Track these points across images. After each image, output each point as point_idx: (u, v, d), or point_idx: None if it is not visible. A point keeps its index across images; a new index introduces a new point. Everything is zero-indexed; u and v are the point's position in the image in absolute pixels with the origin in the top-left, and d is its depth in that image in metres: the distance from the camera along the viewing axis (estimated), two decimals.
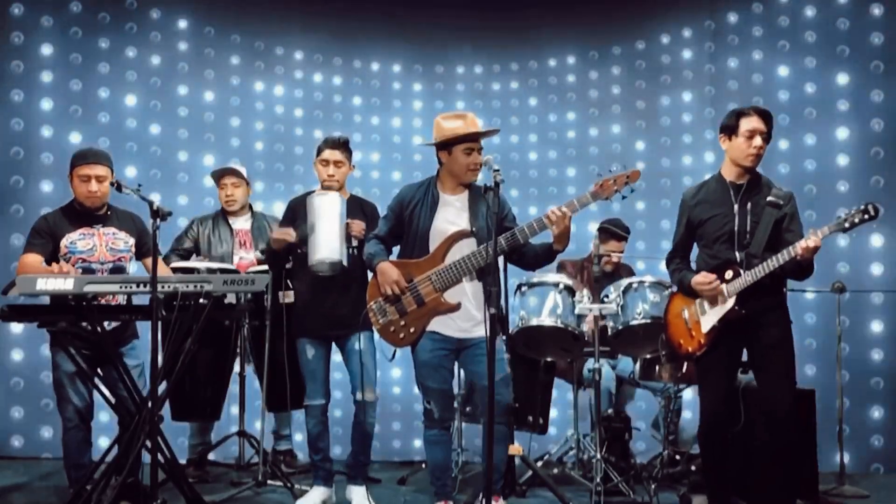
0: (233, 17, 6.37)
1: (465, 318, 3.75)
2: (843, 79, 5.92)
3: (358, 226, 4.12)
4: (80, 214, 4.14)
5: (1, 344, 5.68)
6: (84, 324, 3.71)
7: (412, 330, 3.79)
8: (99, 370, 3.99)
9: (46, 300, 3.81)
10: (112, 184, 4.05)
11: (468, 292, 3.76)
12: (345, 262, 4.02)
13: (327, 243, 3.96)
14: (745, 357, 3.94)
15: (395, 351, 3.93)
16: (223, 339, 4.72)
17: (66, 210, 4.18)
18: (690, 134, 6.33)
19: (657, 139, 6.39)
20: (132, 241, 4.21)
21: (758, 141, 3.79)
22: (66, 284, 3.51)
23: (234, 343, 4.81)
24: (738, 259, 3.78)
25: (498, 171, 3.49)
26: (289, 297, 4.46)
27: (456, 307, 3.74)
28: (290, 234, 4.17)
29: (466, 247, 3.77)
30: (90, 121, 5.96)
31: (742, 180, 3.86)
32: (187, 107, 6.21)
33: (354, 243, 4.11)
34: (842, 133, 5.89)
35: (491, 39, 6.58)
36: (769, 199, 3.78)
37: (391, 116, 6.60)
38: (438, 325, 3.78)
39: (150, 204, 3.64)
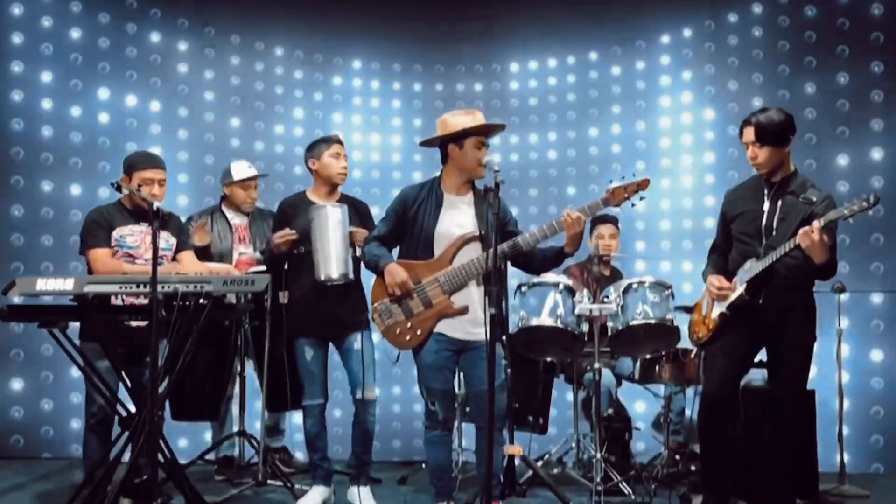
0: (232, 18, 6.38)
1: (472, 321, 3.73)
2: (843, 78, 5.92)
3: (360, 235, 4.17)
4: (131, 212, 4.25)
5: (1, 344, 5.68)
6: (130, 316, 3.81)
7: (419, 332, 3.77)
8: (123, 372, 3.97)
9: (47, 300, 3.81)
10: (112, 184, 4.07)
11: (475, 296, 3.74)
12: (351, 276, 4.11)
13: (336, 259, 4.05)
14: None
15: (398, 353, 3.94)
16: (223, 338, 4.72)
17: (117, 206, 4.29)
18: (690, 134, 6.32)
19: (657, 139, 6.39)
20: (173, 240, 4.34)
21: (749, 152, 3.84)
22: (66, 284, 3.51)
23: (233, 343, 4.81)
24: (760, 254, 3.78)
25: (498, 171, 3.51)
26: (287, 297, 4.47)
27: (463, 310, 3.73)
28: (293, 235, 4.23)
29: (473, 251, 3.75)
30: (90, 120, 5.96)
31: (777, 178, 3.86)
32: (187, 107, 6.21)
33: (359, 252, 4.15)
34: (842, 133, 5.89)
35: (491, 39, 6.58)
36: (802, 196, 3.76)
37: (391, 116, 6.61)
38: (444, 326, 3.76)
39: (150, 205, 3.65)
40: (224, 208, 5.23)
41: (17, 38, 5.85)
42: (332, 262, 4.04)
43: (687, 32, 6.38)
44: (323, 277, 4.06)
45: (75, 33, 5.97)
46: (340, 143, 4.39)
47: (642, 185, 3.71)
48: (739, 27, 6.23)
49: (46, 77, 5.88)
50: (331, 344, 4.33)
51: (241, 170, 5.21)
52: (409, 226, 3.86)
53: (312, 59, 6.52)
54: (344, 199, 4.39)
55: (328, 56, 6.53)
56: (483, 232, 3.76)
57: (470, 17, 6.49)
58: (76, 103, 5.93)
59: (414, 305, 3.77)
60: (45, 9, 5.92)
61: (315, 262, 4.08)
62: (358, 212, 4.37)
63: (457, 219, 3.81)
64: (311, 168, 4.38)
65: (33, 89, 5.86)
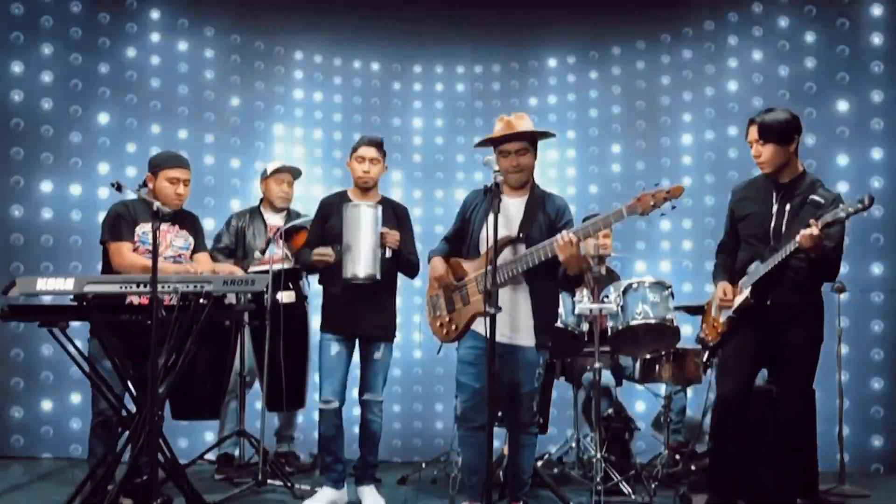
0: (232, 18, 6.37)
1: (507, 323, 3.71)
2: (843, 79, 5.92)
3: (392, 237, 4.18)
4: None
5: (1, 343, 5.68)
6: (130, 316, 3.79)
7: (454, 327, 3.90)
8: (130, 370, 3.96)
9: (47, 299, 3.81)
10: (112, 184, 4.07)
11: (510, 297, 3.73)
12: (378, 276, 4.10)
13: (363, 258, 4.07)
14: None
15: (441, 346, 4.05)
16: (223, 338, 4.72)
17: (141, 203, 4.23)
18: (690, 134, 6.32)
19: (657, 139, 6.38)
20: (192, 239, 4.39)
21: (754, 150, 3.82)
22: (66, 284, 3.52)
23: (234, 343, 4.82)
24: (766, 257, 3.77)
25: (498, 171, 3.55)
26: (288, 296, 4.46)
27: (497, 311, 3.73)
28: (331, 257, 4.21)
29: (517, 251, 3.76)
30: (90, 121, 5.96)
31: (785, 179, 3.82)
32: (187, 107, 6.20)
33: (389, 254, 4.17)
34: (842, 133, 5.89)
35: (491, 39, 6.58)
36: (811, 198, 3.73)
37: (391, 116, 6.60)
38: (481, 325, 3.79)
39: (151, 205, 3.66)
40: (262, 209, 5.31)
41: (17, 38, 5.85)
42: (360, 261, 4.06)
43: (687, 33, 6.38)
44: (349, 276, 4.07)
45: (75, 34, 5.96)
46: (369, 145, 4.34)
47: (673, 192, 3.55)
48: (739, 27, 6.23)
49: (46, 76, 5.88)
50: (357, 344, 4.33)
51: (274, 164, 5.35)
52: (466, 227, 3.97)
53: (312, 59, 6.51)
54: (383, 200, 4.40)
55: (328, 57, 6.52)
56: (523, 234, 3.78)
57: (470, 18, 6.48)
58: (76, 103, 5.92)
59: (456, 301, 3.90)
60: (45, 8, 5.92)
61: (343, 261, 4.10)
62: (396, 214, 4.39)
63: (502, 220, 3.77)
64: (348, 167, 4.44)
65: (33, 87, 5.85)
